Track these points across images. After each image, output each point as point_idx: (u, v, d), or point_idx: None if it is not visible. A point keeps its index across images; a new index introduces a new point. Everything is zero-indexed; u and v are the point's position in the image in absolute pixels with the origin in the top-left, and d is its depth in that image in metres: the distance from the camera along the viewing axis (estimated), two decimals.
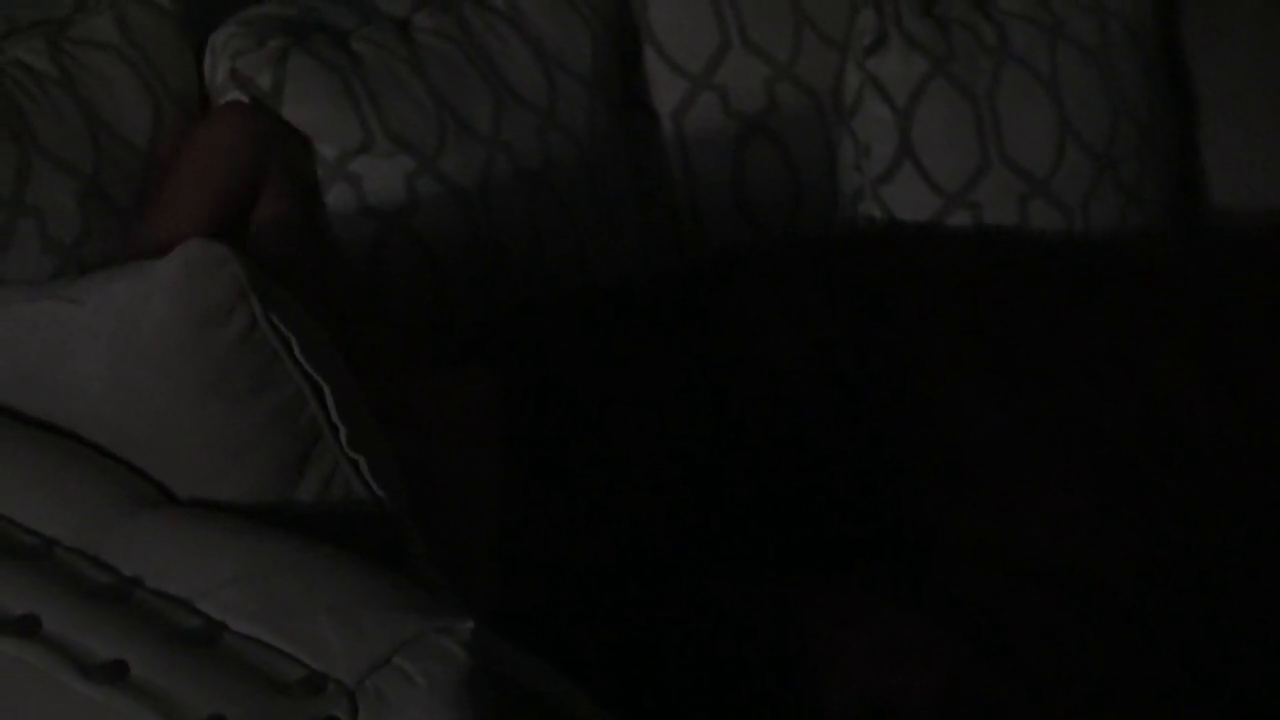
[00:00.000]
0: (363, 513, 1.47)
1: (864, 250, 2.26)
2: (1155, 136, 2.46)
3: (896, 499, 1.90)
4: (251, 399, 1.42)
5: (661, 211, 2.29)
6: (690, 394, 1.99)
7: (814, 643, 1.68)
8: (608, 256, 2.19)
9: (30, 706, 1.28)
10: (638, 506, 1.88)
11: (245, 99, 1.99)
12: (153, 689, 1.23)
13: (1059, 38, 2.38)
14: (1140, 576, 1.78)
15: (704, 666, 1.71)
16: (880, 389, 1.99)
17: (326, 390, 1.43)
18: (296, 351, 1.42)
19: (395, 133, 2.02)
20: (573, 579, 1.81)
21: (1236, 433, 1.97)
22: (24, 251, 1.84)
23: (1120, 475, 1.90)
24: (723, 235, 2.30)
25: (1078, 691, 1.66)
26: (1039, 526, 1.85)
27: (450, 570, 1.53)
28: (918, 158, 2.31)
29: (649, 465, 1.91)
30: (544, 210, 2.12)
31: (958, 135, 2.32)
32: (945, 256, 2.22)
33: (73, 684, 1.25)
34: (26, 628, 1.29)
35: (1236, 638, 1.74)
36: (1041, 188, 2.36)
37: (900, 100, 2.30)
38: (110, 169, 1.91)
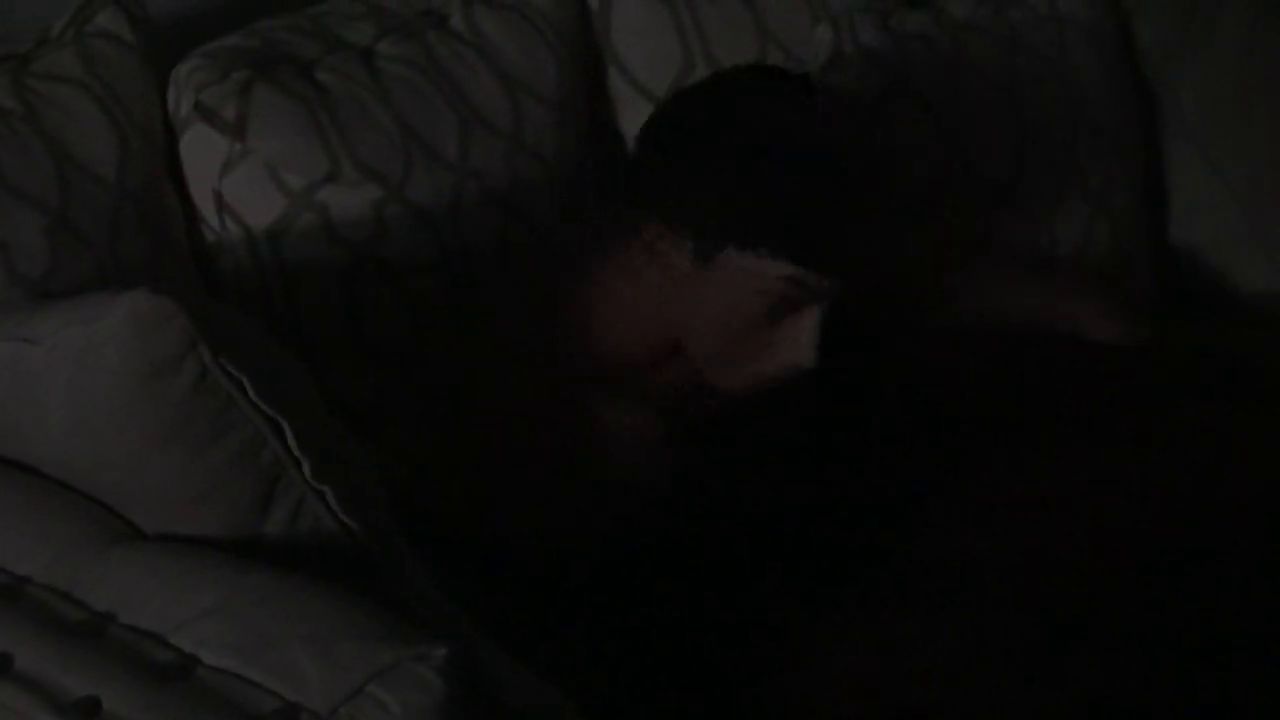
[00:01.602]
0: (334, 543, 1.47)
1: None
2: (1122, 144, 2.46)
3: (891, 516, 1.89)
4: (210, 444, 1.43)
5: None
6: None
7: (807, 650, 1.69)
8: None
9: None
10: (629, 517, 1.89)
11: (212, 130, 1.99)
12: None
13: (1015, 47, 2.39)
14: (1135, 576, 1.78)
15: (695, 675, 1.71)
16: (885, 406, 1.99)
17: (285, 426, 1.44)
18: (250, 392, 1.43)
19: (362, 162, 2.02)
20: (563, 588, 1.82)
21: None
22: None
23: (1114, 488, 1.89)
24: None
25: (1070, 687, 1.66)
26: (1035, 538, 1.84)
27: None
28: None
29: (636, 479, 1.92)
30: (515, 235, 2.13)
31: (918, 148, 2.32)
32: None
33: None
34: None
35: (1234, 636, 1.73)
36: (1005, 197, 2.36)
37: (859, 115, 2.30)
38: (77, 202, 1.91)
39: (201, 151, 2.01)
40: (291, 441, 1.44)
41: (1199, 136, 2.56)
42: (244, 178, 2.00)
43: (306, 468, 1.45)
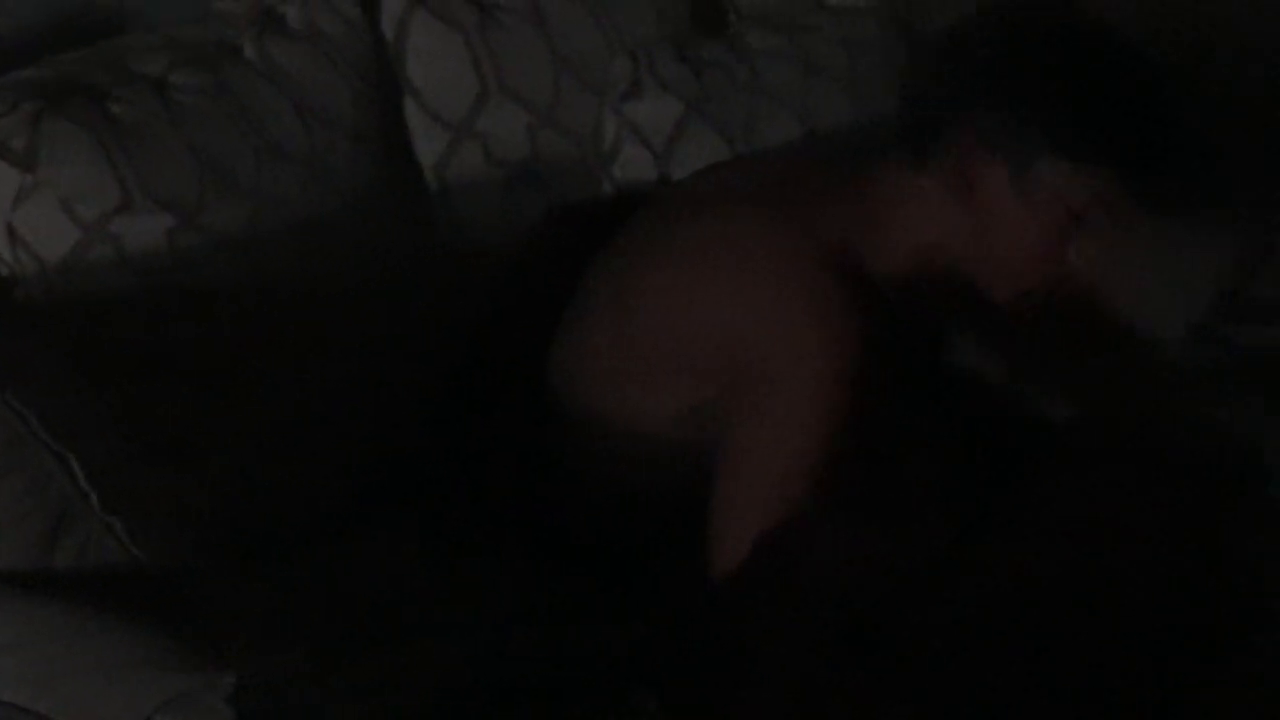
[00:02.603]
0: (125, 573, 1.48)
1: None
2: None
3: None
4: None
5: (435, 262, 2.31)
6: None
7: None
8: (388, 307, 2.20)
9: None
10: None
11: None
12: None
13: (810, 71, 2.44)
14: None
15: None
16: None
17: (72, 460, 1.45)
18: (36, 427, 1.43)
19: (155, 191, 2.02)
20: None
21: None
22: None
23: None
24: None
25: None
26: None
27: None
28: None
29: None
30: (315, 262, 2.13)
31: None
32: None
33: None
34: None
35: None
36: None
37: (658, 143, 2.33)
38: None
39: None
40: (79, 474, 1.45)
41: None
42: (36, 210, 1.98)
43: (94, 500, 1.46)
